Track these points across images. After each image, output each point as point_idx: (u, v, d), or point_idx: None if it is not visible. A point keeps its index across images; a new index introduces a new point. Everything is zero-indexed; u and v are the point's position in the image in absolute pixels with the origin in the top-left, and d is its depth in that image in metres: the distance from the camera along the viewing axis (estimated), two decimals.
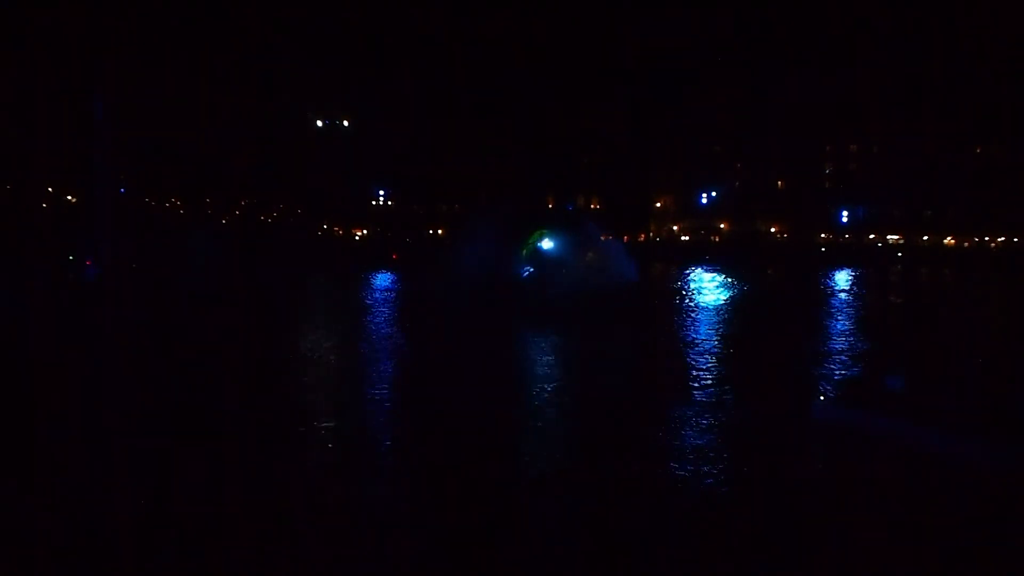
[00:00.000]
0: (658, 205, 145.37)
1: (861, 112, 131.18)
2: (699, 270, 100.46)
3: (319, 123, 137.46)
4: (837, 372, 36.46)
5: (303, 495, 19.92)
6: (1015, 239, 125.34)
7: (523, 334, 47.93)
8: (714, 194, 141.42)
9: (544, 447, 25.10)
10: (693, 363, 38.31)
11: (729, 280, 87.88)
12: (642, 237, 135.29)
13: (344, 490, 20.43)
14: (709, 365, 38.26)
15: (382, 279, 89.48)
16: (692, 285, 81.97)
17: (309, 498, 19.72)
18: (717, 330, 51.66)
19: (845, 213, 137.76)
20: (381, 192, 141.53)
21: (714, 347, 44.13)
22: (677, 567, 16.52)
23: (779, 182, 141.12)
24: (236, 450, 23.39)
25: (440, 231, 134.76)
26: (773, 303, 71.84)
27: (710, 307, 63.30)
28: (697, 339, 46.38)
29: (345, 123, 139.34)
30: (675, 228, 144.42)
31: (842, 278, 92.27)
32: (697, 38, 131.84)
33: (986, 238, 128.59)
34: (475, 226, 68.85)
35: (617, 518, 18.94)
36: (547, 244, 64.73)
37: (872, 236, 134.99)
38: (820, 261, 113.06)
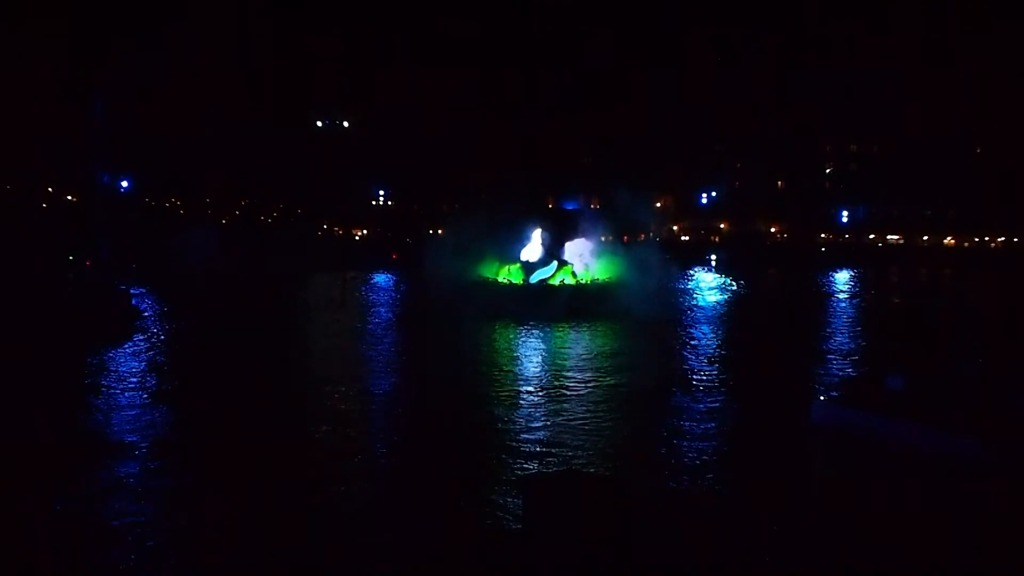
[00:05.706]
0: (658, 205, 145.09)
1: (861, 112, 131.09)
2: (699, 270, 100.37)
3: (319, 123, 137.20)
4: (837, 372, 36.49)
5: None
6: (1015, 239, 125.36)
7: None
8: (714, 194, 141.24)
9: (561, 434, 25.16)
10: (693, 364, 38.36)
11: (729, 280, 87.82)
12: (642, 237, 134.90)
13: None
14: (709, 364, 38.30)
15: (382, 279, 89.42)
16: (692, 285, 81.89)
17: None
18: (717, 331, 51.68)
19: (845, 213, 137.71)
20: (381, 192, 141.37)
21: (714, 348, 44.18)
22: (677, 567, 16.53)
23: (779, 182, 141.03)
24: None
25: (440, 231, 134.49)
26: (773, 303, 71.84)
27: (710, 308, 63.26)
28: (697, 339, 46.42)
29: (345, 123, 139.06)
30: (675, 228, 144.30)
31: (842, 278, 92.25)
32: (698, 38, 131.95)
33: (986, 238, 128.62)
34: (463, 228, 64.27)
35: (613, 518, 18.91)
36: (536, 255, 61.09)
37: (872, 236, 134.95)
38: (820, 261, 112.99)
